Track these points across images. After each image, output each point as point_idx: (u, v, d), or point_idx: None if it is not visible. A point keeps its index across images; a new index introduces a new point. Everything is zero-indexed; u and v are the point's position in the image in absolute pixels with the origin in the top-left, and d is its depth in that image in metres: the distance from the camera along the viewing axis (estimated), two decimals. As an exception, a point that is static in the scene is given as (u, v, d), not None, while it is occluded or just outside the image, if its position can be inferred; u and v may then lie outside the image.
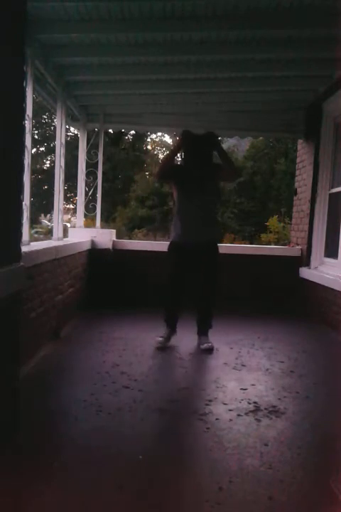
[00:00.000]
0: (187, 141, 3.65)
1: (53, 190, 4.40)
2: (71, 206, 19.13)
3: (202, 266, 3.70)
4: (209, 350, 3.59)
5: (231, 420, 2.36)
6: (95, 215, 5.61)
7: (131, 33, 3.60)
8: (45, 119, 20.99)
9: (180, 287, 3.77)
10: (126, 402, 2.55)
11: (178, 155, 3.88)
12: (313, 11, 3.30)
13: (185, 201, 3.69)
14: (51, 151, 19.61)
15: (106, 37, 3.70)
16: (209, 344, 3.63)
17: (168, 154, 3.83)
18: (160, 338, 3.69)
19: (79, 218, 5.62)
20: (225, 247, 6.27)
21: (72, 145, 14.21)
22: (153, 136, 22.49)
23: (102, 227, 5.99)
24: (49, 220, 20.65)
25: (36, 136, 20.20)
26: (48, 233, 15.01)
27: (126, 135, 20.95)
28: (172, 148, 3.88)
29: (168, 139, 21.79)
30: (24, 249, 2.62)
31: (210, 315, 3.78)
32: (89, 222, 7.17)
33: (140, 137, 21.03)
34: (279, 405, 2.58)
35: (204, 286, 3.73)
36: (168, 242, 3.85)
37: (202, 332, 3.75)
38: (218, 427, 2.28)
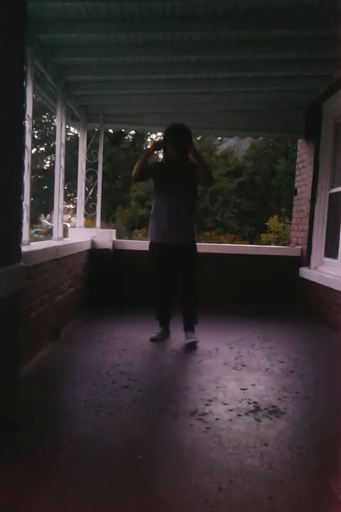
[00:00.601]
0: (167, 134, 3.66)
1: (53, 190, 4.40)
2: (71, 206, 19.13)
3: (181, 265, 3.77)
4: (192, 345, 3.64)
5: (231, 420, 2.36)
6: (95, 215, 5.61)
7: (131, 33, 3.60)
8: (45, 119, 20.96)
9: (168, 287, 3.87)
10: (126, 402, 2.55)
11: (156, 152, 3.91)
12: (313, 11, 3.30)
13: (161, 200, 3.72)
14: (51, 151, 19.59)
15: (106, 37, 3.70)
16: (193, 339, 3.68)
17: (142, 156, 3.84)
18: (154, 334, 3.86)
19: (79, 218, 5.62)
20: (225, 247, 6.31)
21: (72, 145, 14.20)
22: (153, 136, 22.47)
23: (102, 227, 5.99)
24: (49, 220, 20.64)
25: (36, 136, 20.17)
26: (48, 233, 15.00)
27: (126, 135, 20.94)
28: (146, 149, 3.88)
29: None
30: (24, 249, 2.62)
31: (194, 311, 3.81)
32: (89, 222, 7.17)
33: (140, 137, 21.00)
34: (279, 405, 2.58)
35: (185, 285, 3.80)
36: (148, 243, 3.92)
37: (188, 328, 3.79)
38: (218, 427, 2.28)
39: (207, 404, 2.55)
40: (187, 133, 3.66)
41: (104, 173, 6.07)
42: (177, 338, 3.86)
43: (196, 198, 3.93)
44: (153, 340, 3.81)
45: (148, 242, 3.93)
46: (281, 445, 2.12)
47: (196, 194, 3.88)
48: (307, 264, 5.25)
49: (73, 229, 5.64)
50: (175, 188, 3.68)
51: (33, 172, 5.62)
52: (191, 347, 3.63)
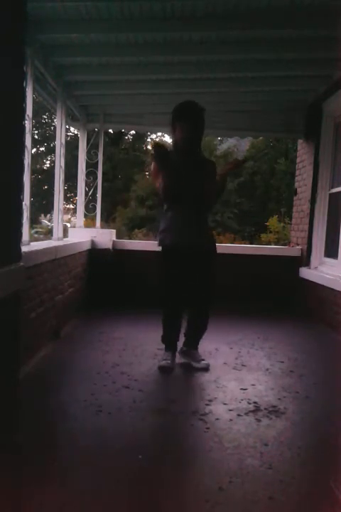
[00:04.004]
0: (174, 113, 3.13)
1: (53, 190, 4.40)
2: (71, 206, 19.13)
3: (196, 272, 3.15)
4: (206, 369, 3.14)
5: (231, 420, 2.36)
6: (95, 215, 5.62)
7: (131, 33, 3.60)
8: (45, 119, 20.98)
9: (179, 302, 3.21)
10: (126, 402, 2.55)
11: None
12: (313, 11, 3.30)
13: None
14: (51, 151, 19.60)
15: (106, 37, 3.70)
16: (206, 362, 3.20)
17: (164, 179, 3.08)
18: (164, 362, 3.17)
19: (79, 218, 5.62)
20: (225, 247, 6.29)
21: (72, 145, 14.20)
22: (153, 136, 22.49)
23: (102, 227, 5.99)
24: (49, 220, 20.65)
25: (36, 136, 20.19)
26: (48, 233, 15.00)
27: (126, 135, 20.96)
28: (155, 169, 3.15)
29: (168, 139, 21.79)
30: (24, 249, 2.62)
31: (204, 328, 3.26)
32: (89, 222, 7.17)
33: (140, 137, 21.02)
34: (279, 405, 2.58)
35: (198, 297, 3.22)
36: (159, 248, 3.22)
37: (193, 345, 3.26)
38: (218, 427, 2.28)
39: (207, 404, 2.55)
40: (199, 111, 3.09)
41: (104, 173, 6.07)
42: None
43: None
44: (162, 368, 3.13)
45: (158, 248, 3.23)
46: (281, 445, 2.12)
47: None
48: (307, 264, 5.25)
49: (73, 229, 5.64)
50: (186, 181, 3.04)
51: (33, 172, 5.63)
52: (204, 371, 3.12)
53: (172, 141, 3.25)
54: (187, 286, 3.20)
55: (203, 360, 3.23)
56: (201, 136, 3.17)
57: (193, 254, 3.12)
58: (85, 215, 5.76)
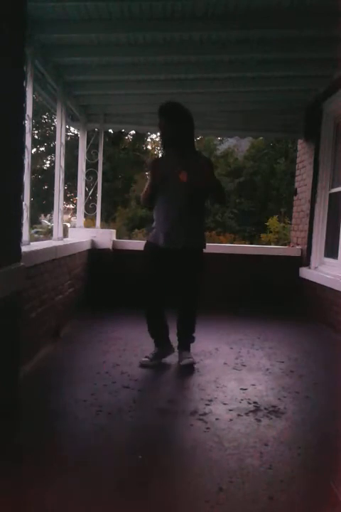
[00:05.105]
0: (159, 114, 3.17)
1: (53, 190, 4.40)
2: (71, 206, 19.12)
3: (182, 273, 3.21)
4: (190, 367, 3.17)
5: (231, 420, 2.36)
6: (95, 215, 5.62)
7: (131, 33, 3.61)
8: (45, 119, 20.97)
9: (159, 295, 3.28)
10: (126, 402, 2.55)
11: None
12: (313, 11, 3.30)
13: (161, 196, 3.16)
14: (51, 151, 19.58)
15: (106, 37, 3.71)
16: (190, 359, 3.21)
17: (148, 186, 3.31)
18: (145, 359, 3.26)
19: (79, 218, 5.62)
20: (225, 247, 6.30)
21: (72, 145, 14.20)
22: (153, 136, 22.47)
23: (102, 227, 5.99)
24: (49, 220, 20.65)
25: (36, 136, 20.17)
26: (48, 233, 15.00)
27: (126, 135, 20.94)
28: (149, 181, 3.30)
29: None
30: (24, 249, 2.62)
31: (192, 328, 3.32)
32: (89, 222, 7.17)
33: (140, 137, 21.00)
34: (279, 405, 2.58)
35: (186, 298, 3.28)
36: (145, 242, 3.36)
37: (183, 346, 3.30)
38: (218, 427, 2.28)
39: (207, 404, 2.55)
40: (178, 110, 3.15)
41: (104, 173, 6.07)
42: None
43: (204, 195, 3.20)
44: (143, 366, 3.21)
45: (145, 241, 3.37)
46: (281, 445, 2.12)
47: (203, 191, 3.15)
48: (307, 264, 5.25)
49: (73, 229, 5.64)
50: (176, 181, 3.05)
51: (33, 172, 5.62)
52: (189, 368, 3.16)
53: (160, 142, 3.35)
54: (174, 286, 3.25)
55: (189, 358, 3.22)
56: (187, 134, 3.18)
57: (175, 254, 3.14)
58: (85, 215, 5.76)
